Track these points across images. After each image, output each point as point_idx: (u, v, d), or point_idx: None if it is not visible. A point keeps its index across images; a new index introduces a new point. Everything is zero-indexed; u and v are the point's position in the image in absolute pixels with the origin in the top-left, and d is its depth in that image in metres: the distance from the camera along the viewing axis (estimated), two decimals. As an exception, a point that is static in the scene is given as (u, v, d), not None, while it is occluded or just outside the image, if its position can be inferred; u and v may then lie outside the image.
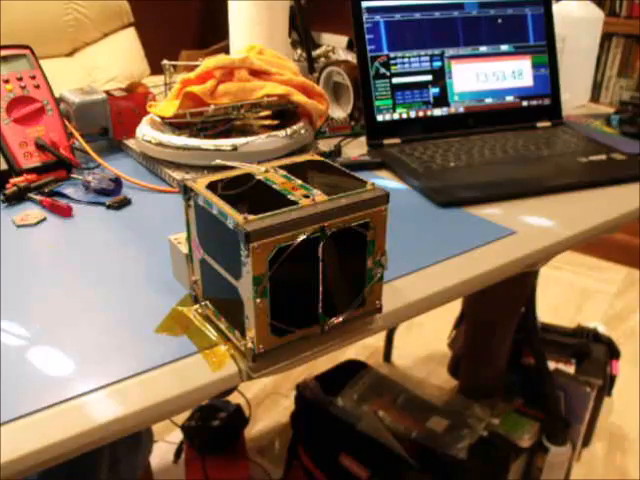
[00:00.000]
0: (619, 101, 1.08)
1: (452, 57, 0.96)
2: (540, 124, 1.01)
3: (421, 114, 0.95)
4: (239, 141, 0.78)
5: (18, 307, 0.54)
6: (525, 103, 1.01)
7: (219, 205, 0.44)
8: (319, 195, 0.45)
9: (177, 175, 0.78)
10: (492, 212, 0.73)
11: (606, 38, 2.25)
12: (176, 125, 0.86)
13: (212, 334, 0.50)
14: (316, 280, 0.46)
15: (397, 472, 1.14)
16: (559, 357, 1.39)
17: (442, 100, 0.96)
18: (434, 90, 0.96)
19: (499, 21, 0.98)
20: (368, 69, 0.92)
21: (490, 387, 1.40)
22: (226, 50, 1.09)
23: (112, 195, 0.76)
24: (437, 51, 0.96)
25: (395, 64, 0.93)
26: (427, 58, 0.95)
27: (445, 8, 0.95)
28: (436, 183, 0.79)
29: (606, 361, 1.40)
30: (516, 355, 1.39)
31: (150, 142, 0.80)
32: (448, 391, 1.59)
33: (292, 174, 0.49)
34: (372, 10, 0.92)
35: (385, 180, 0.83)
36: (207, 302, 0.52)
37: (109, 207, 0.73)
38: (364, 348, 1.85)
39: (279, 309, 0.45)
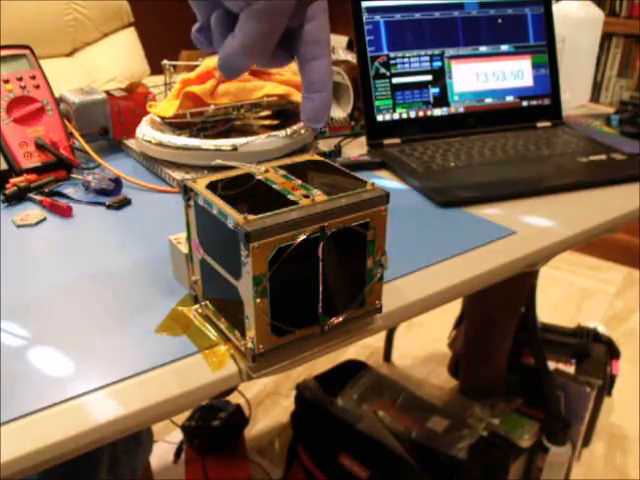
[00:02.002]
0: (619, 101, 1.08)
1: (452, 57, 0.96)
2: (540, 124, 1.01)
3: (421, 114, 0.95)
4: (239, 141, 0.78)
5: (18, 307, 0.54)
6: (525, 103, 1.01)
7: (219, 205, 0.44)
8: (319, 195, 0.45)
9: (177, 175, 0.78)
10: (492, 212, 0.73)
11: (606, 38, 2.26)
12: (176, 125, 0.86)
13: (212, 334, 0.50)
14: (316, 280, 0.46)
15: (397, 472, 1.14)
16: (559, 357, 1.39)
17: (442, 100, 0.96)
18: (434, 90, 0.96)
19: (499, 21, 0.98)
20: (368, 69, 0.92)
21: (490, 387, 1.40)
22: (226, 50, 1.09)
23: (112, 195, 0.76)
24: (437, 51, 0.96)
25: (395, 64, 0.93)
26: (427, 58, 0.95)
27: (445, 8, 0.95)
28: (436, 183, 0.79)
29: (606, 361, 1.40)
30: (516, 355, 1.39)
31: (150, 142, 0.80)
32: (448, 391, 1.59)
33: (292, 174, 0.49)
34: (372, 10, 0.92)
35: (385, 180, 0.83)
36: (207, 302, 0.52)
37: (109, 207, 0.73)
38: (364, 348, 1.85)
39: (279, 309, 0.45)
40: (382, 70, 0.93)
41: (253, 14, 0.41)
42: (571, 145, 0.92)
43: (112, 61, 2.16)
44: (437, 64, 0.96)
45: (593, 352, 1.40)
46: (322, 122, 0.45)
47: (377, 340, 1.82)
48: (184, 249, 0.54)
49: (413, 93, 0.95)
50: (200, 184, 0.47)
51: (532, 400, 1.31)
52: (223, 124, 0.84)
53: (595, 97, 2.33)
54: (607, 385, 1.42)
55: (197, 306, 0.53)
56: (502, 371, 1.40)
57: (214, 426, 1.31)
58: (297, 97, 0.84)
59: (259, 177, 0.49)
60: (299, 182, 0.48)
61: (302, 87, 0.46)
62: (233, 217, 0.42)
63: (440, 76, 0.96)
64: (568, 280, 2.24)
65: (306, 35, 0.44)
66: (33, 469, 0.40)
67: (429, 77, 0.96)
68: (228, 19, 0.43)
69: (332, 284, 0.47)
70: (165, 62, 0.95)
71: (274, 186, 0.47)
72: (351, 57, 1.01)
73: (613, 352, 1.43)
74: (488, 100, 0.99)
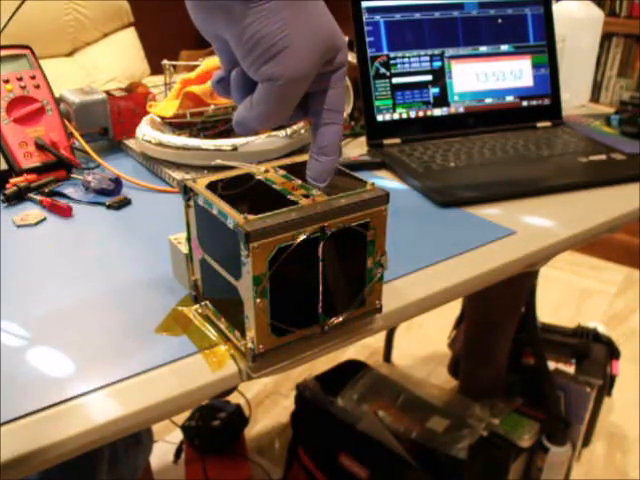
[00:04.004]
0: (619, 101, 1.08)
1: (452, 57, 0.96)
2: (540, 124, 1.01)
3: (421, 114, 0.95)
4: (239, 141, 0.78)
5: (18, 307, 0.54)
6: (525, 103, 1.01)
7: (219, 205, 0.44)
8: (319, 195, 0.45)
9: (177, 175, 0.78)
10: (492, 212, 0.73)
11: (606, 38, 2.26)
12: (176, 125, 0.86)
13: (212, 334, 0.50)
14: (316, 280, 0.46)
15: (397, 472, 1.14)
16: (559, 357, 1.39)
17: (442, 100, 0.96)
18: (434, 90, 0.96)
19: (499, 21, 0.98)
20: (368, 69, 0.92)
21: (490, 387, 1.40)
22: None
23: (112, 195, 0.76)
24: (437, 51, 0.96)
25: (395, 64, 0.93)
26: (427, 58, 0.95)
27: (445, 8, 0.95)
28: (436, 183, 0.79)
29: (606, 361, 1.40)
30: (516, 355, 1.39)
31: (150, 142, 0.80)
32: (448, 391, 1.59)
33: (292, 174, 0.49)
34: (372, 10, 0.92)
35: (385, 180, 0.83)
36: (207, 302, 0.52)
37: (109, 207, 0.73)
38: (364, 348, 1.85)
39: (279, 309, 0.45)
40: (382, 70, 0.93)
41: (272, 90, 0.42)
42: (571, 145, 0.92)
43: (112, 61, 2.16)
44: (437, 64, 0.96)
45: (593, 352, 1.40)
46: (326, 183, 0.47)
47: (377, 340, 1.82)
48: (184, 249, 0.54)
49: (413, 93, 0.95)
50: (200, 184, 0.47)
51: (532, 400, 1.30)
52: (223, 124, 0.84)
53: (595, 97, 2.33)
54: (607, 385, 1.42)
55: (197, 306, 0.53)
56: (502, 371, 1.40)
57: (214, 426, 1.31)
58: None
59: (259, 177, 0.49)
60: (299, 182, 0.48)
61: (311, 145, 0.47)
62: (233, 217, 0.42)
63: (440, 76, 0.96)
64: (568, 280, 2.24)
65: (325, 103, 0.46)
66: (33, 469, 0.40)
67: (429, 77, 0.96)
68: (248, 79, 0.44)
69: (332, 284, 0.47)
70: (165, 62, 0.95)
71: (274, 186, 0.47)
72: (351, 57, 1.01)
73: (613, 352, 1.43)
74: (488, 100, 0.99)
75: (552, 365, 1.36)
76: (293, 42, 0.41)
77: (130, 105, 0.90)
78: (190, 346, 0.49)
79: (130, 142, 0.89)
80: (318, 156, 0.46)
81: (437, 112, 0.96)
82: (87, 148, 0.82)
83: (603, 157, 0.88)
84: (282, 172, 0.49)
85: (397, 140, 0.93)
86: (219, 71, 0.47)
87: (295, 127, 0.82)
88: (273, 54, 0.41)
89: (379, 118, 0.93)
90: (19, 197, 0.74)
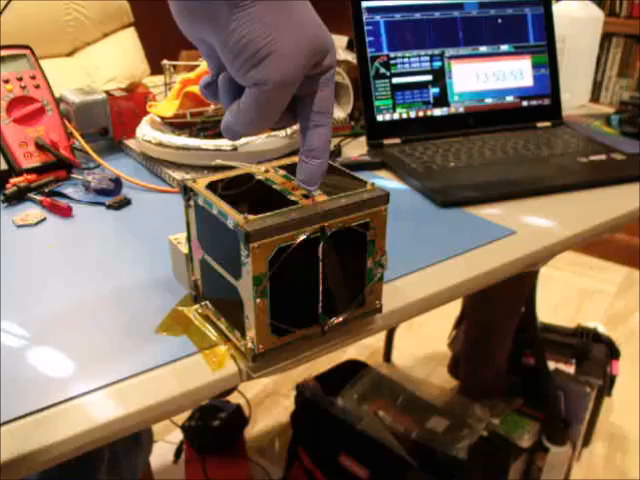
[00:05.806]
0: (619, 101, 1.08)
1: (452, 57, 0.96)
2: (540, 124, 1.01)
3: (421, 114, 0.95)
4: (239, 141, 0.78)
5: (18, 307, 0.54)
6: (525, 103, 1.01)
7: (219, 205, 0.44)
8: (319, 195, 0.45)
9: (177, 175, 0.78)
10: (492, 212, 0.73)
11: (606, 38, 2.26)
12: (176, 125, 0.86)
13: (212, 334, 0.50)
14: (316, 280, 0.46)
15: (397, 472, 1.14)
16: (559, 357, 1.39)
17: (442, 100, 0.96)
18: (434, 90, 0.96)
19: (499, 21, 0.98)
20: (368, 69, 0.92)
21: (490, 387, 1.40)
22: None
23: (112, 195, 0.76)
24: (437, 51, 0.96)
25: (395, 64, 0.93)
26: (427, 58, 0.95)
27: (445, 8, 0.95)
28: (436, 183, 0.79)
29: (606, 361, 1.40)
30: (516, 355, 1.39)
31: (150, 142, 0.80)
32: (448, 391, 1.59)
33: (292, 174, 0.49)
34: (372, 10, 0.92)
35: (385, 180, 0.83)
36: (207, 302, 0.52)
37: (109, 207, 0.73)
38: (364, 348, 1.85)
39: (279, 309, 0.45)
40: (382, 70, 0.93)
41: (260, 95, 0.42)
42: (571, 145, 0.92)
43: (112, 61, 2.15)
44: (437, 64, 0.96)
45: (593, 352, 1.40)
46: (316, 185, 0.46)
47: (377, 340, 1.82)
48: (184, 249, 0.54)
49: (413, 93, 0.95)
50: (200, 184, 0.47)
51: (532, 400, 1.30)
52: (223, 124, 0.84)
53: (595, 97, 2.33)
54: (607, 385, 1.42)
55: (197, 306, 0.53)
56: (502, 371, 1.40)
57: (214, 426, 1.31)
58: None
59: (259, 177, 0.49)
60: (299, 182, 0.48)
61: (301, 148, 0.46)
62: (233, 217, 0.42)
63: (440, 76, 0.96)
64: (568, 280, 2.24)
65: (314, 105, 0.45)
66: (33, 469, 0.40)
67: (429, 77, 0.96)
68: (235, 83, 0.44)
69: (332, 284, 0.47)
70: (165, 62, 0.95)
71: (274, 186, 0.47)
72: (351, 57, 1.01)
73: (613, 352, 1.43)
74: (488, 100, 0.99)
75: (552, 365, 1.36)
76: (279, 47, 0.40)
77: (130, 105, 0.90)
78: (190, 346, 0.49)
79: (130, 142, 0.89)
80: (308, 159, 0.46)
81: (437, 112, 0.96)
82: (87, 148, 0.82)
83: (603, 157, 0.88)
84: (282, 172, 0.49)
85: (397, 140, 0.93)
86: (207, 75, 0.47)
87: (295, 127, 0.82)
88: (259, 59, 0.40)
89: (379, 118, 0.93)
90: (19, 197, 0.74)
